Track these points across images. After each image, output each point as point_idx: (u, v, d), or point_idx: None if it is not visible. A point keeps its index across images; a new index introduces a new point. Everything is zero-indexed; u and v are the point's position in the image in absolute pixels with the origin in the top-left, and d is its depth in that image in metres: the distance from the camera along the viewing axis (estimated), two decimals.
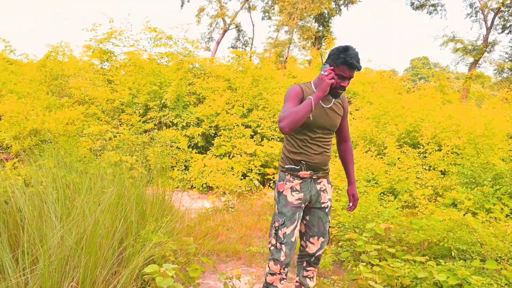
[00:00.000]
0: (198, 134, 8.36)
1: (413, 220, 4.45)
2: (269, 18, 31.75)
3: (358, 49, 2.71)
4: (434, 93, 11.61)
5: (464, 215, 4.38)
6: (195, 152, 8.18)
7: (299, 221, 2.90)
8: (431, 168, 7.09)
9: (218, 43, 30.50)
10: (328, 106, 2.83)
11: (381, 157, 7.39)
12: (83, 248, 2.80)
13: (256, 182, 7.39)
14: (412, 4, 24.60)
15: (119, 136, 7.75)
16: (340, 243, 4.76)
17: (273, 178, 7.58)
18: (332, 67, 2.67)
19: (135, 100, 8.83)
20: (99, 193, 3.52)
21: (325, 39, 26.96)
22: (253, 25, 33.53)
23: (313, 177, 2.89)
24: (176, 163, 7.92)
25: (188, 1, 31.99)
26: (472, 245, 4.06)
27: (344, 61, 2.63)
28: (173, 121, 8.55)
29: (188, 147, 8.24)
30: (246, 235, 5.18)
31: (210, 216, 5.88)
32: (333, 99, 2.84)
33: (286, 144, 2.95)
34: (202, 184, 7.41)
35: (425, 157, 7.30)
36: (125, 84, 9.07)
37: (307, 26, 27.71)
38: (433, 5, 24.20)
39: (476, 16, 22.69)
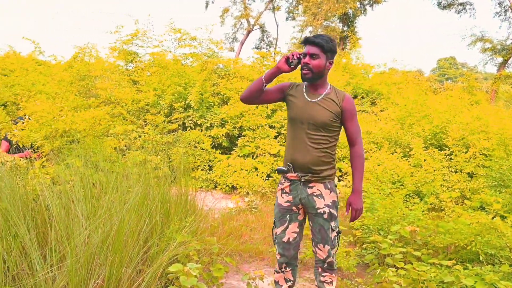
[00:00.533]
0: (222, 135, 8.39)
1: (440, 223, 4.36)
2: (293, 18, 31.69)
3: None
4: (461, 94, 11.39)
5: (492, 218, 4.28)
6: (219, 153, 8.21)
7: (294, 223, 2.91)
8: (458, 170, 6.95)
9: (242, 43, 30.60)
10: (313, 101, 2.79)
11: (407, 159, 7.28)
12: (109, 246, 2.84)
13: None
14: (440, 3, 24.18)
15: (144, 136, 7.85)
16: (364, 246, 4.72)
17: None
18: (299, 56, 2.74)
19: (160, 101, 8.93)
20: (125, 192, 3.57)
21: (349, 39, 26.78)
22: (277, 26, 33.51)
23: (302, 180, 2.82)
24: (200, 163, 7.97)
25: (212, 2, 32.07)
26: (501, 250, 3.97)
27: (303, 40, 2.76)
28: (197, 121, 8.60)
29: (212, 147, 8.28)
30: (270, 236, 5.17)
31: (234, 216, 5.90)
32: (322, 95, 2.79)
33: (286, 143, 2.96)
34: (226, 184, 7.44)
35: (451, 159, 7.16)
36: (150, 85, 9.17)
37: (332, 26, 27.53)
38: (461, 4, 23.74)
39: (505, 15, 22.18)
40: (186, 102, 8.80)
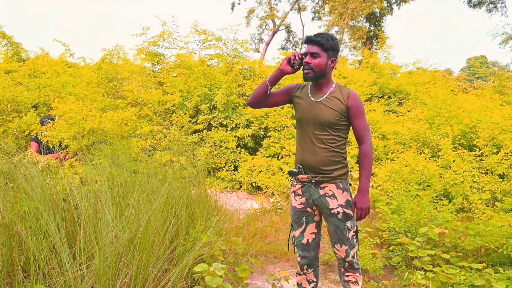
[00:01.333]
0: (248, 135, 8.41)
1: (469, 225, 4.27)
2: (319, 18, 31.50)
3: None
4: (492, 93, 11.11)
5: None
6: (244, 153, 8.23)
7: (311, 225, 2.91)
8: (489, 171, 6.78)
9: (267, 44, 30.59)
10: (317, 100, 2.77)
11: (435, 160, 7.15)
12: (136, 246, 2.88)
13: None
14: (470, 1, 23.65)
15: (170, 136, 7.93)
16: (391, 248, 4.65)
17: None
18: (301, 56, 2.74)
19: (186, 102, 9.00)
20: (151, 193, 3.61)
21: (377, 39, 26.45)
22: (303, 26, 33.32)
23: (312, 181, 2.80)
24: (225, 163, 8.01)
25: (239, 3, 32.18)
26: None
27: (305, 40, 2.75)
28: (223, 122, 8.64)
29: (237, 146, 8.31)
30: None
31: (259, 217, 5.90)
32: (326, 94, 2.77)
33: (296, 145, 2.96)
34: (251, 183, 7.45)
35: (481, 160, 6.99)
36: (176, 86, 9.26)
37: (358, 26, 27.25)
38: (492, 2, 23.17)
39: None
40: (212, 104, 8.86)
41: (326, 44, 2.67)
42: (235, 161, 8.09)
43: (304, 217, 2.89)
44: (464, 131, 7.86)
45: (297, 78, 9.07)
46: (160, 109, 8.80)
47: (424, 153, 7.14)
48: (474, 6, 23.68)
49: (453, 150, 7.13)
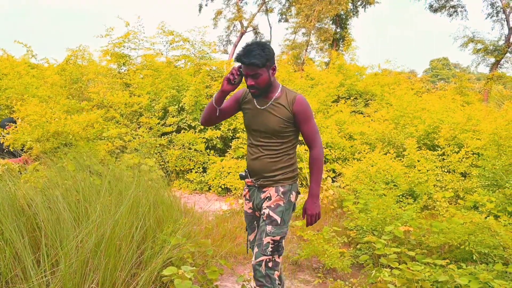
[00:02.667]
0: (217, 137, 8.39)
1: (433, 223, 4.38)
2: (286, 20, 31.71)
3: (251, 44, 2.56)
4: (454, 94, 11.44)
5: (485, 218, 4.31)
6: (213, 155, 8.21)
7: None
8: (451, 170, 6.98)
9: (235, 46, 30.58)
10: (262, 108, 2.68)
11: (400, 159, 7.31)
12: (103, 251, 2.83)
13: None
14: (431, 6, 24.27)
15: (138, 138, 7.83)
16: (358, 246, 4.73)
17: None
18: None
19: (154, 104, 8.91)
20: (118, 196, 3.55)
21: (343, 40, 26.83)
22: (271, 28, 33.41)
23: (255, 185, 2.76)
24: (194, 165, 7.96)
25: (206, 5, 32.05)
26: (494, 249, 3.99)
27: (236, 59, 2.57)
28: (191, 124, 8.59)
29: (206, 148, 8.27)
30: None
31: (228, 218, 5.89)
32: (270, 101, 2.66)
33: None
34: (220, 186, 7.43)
35: (443, 159, 7.19)
36: (143, 88, 9.14)
37: (325, 28, 27.57)
38: (453, 7, 23.84)
39: (497, 16, 22.28)
40: (180, 105, 8.79)
41: (261, 62, 2.52)
42: (204, 163, 8.06)
43: (255, 221, 2.85)
44: (427, 131, 8.07)
45: None
46: (127, 111, 8.67)
47: (389, 152, 7.28)
48: (435, 10, 24.30)
49: (418, 150, 7.31)
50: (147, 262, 3.27)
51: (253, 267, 2.70)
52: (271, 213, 2.67)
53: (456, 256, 4.15)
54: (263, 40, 32.13)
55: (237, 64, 2.62)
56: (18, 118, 6.45)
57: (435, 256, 4.11)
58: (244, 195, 2.88)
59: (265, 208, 2.70)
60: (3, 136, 6.14)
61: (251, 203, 2.83)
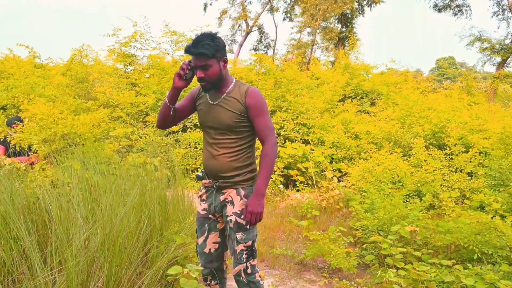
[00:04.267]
0: None
1: (440, 223, 4.36)
2: (291, 19, 31.69)
3: (205, 35, 2.44)
4: (460, 94, 11.40)
5: (492, 218, 4.28)
6: None
7: (214, 233, 2.68)
8: (458, 170, 6.95)
9: (240, 45, 30.58)
10: (215, 103, 2.56)
11: (406, 159, 7.28)
12: (108, 249, 2.84)
13: (281, 186, 7.35)
14: (436, 5, 24.15)
15: (144, 137, 7.86)
16: (364, 246, 4.72)
17: (297, 179, 7.56)
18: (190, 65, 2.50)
19: (160, 104, 8.93)
20: (124, 195, 3.56)
21: (348, 40, 26.78)
22: (276, 27, 33.44)
23: (214, 186, 2.62)
24: (200, 164, 7.97)
25: (211, 4, 32.06)
26: (500, 249, 3.96)
27: (185, 51, 2.45)
28: (197, 123, 8.60)
29: None
30: (269, 237, 5.17)
31: None
32: (223, 95, 2.54)
33: None
34: None
35: (451, 159, 7.16)
36: (149, 88, 9.17)
37: (330, 27, 27.53)
38: (458, 6, 23.72)
39: (503, 15, 22.15)
40: None
41: (210, 53, 2.40)
42: None
43: (207, 224, 2.68)
44: (434, 131, 8.04)
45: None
46: (133, 110, 8.70)
47: (395, 152, 7.26)
48: (440, 10, 24.17)
49: (424, 149, 7.28)
50: (152, 261, 3.27)
51: (234, 278, 2.64)
52: (239, 220, 2.54)
53: (462, 256, 4.13)
54: (268, 40, 32.07)
55: (188, 60, 2.55)
56: (25, 118, 6.49)
57: (441, 256, 4.09)
58: (200, 196, 2.72)
59: (230, 215, 2.56)
60: (9, 134, 6.17)
61: (206, 204, 2.67)
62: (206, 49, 2.39)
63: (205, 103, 2.62)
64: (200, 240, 2.70)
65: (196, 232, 2.75)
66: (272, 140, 2.54)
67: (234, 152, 2.55)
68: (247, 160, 2.60)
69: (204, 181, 2.67)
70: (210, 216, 2.67)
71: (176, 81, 2.53)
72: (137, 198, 3.45)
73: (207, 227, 2.68)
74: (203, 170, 2.67)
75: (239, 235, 2.55)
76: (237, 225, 2.55)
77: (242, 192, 2.58)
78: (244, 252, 2.56)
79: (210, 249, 2.68)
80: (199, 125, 8.53)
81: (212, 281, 2.76)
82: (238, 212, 2.55)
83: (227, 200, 2.58)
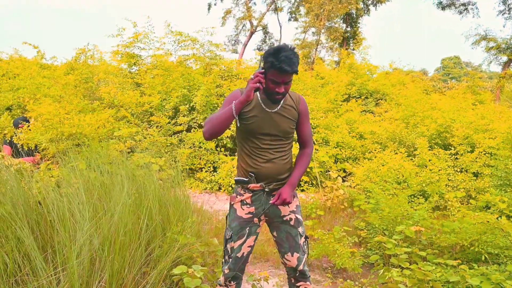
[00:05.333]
0: (227, 136, 8.40)
1: (445, 223, 4.35)
2: (296, 19, 31.68)
3: (295, 49, 2.45)
4: (466, 93, 11.35)
5: (497, 218, 4.26)
6: (223, 154, 8.22)
7: (252, 237, 2.71)
8: (463, 170, 6.92)
9: (245, 45, 30.61)
10: (273, 111, 2.61)
11: (411, 159, 7.26)
12: (111, 249, 2.84)
13: None
14: (440, 3, 24.01)
15: (149, 138, 7.87)
16: (369, 246, 4.70)
17: (302, 179, 7.55)
18: (263, 70, 2.45)
19: (165, 103, 8.95)
20: (127, 195, 3.57)
21: (353, 39, 26.73)
22: (280, 27, 33.53)
23: (265, 189, 2.66)
24: (204, 164, 7.98)
25: (215, 4, 32.11)
26: (506, 249, 3.94)
27: (272, 65, 2.42)
28: (202, 123, 8.61)
29: (216, 147, 8.29)
30: None
31: None
32: (281, 103, 2.62)
33: (238, 153, 2.76)
34: (230, 185, 7.44)
35: (456, 158, 7.13)
36: (154, 88, 9.19)
37: (335, 27, 27.50)
38: (463, 4, 23.59)
39: (509, 13, 22.01)
40: (191, 105, 8.82)
41: (297, 69, 2.46)
42: (214, 162, 8.07)
43: (248, 228, 2.69)
44: (439, 131, 8.01)
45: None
46: (138, 110, 8.72)
47: (400, 152, 7.24)
48: (444, 8, 24.03)
49: (429, 149, 7.26)
50: (156, 261, 3.28)
51: (301, 272, 2.75)
52: (298, 216, 2.74)
53: (468, 257, 4.11)
54: (273, 40, 32.07)
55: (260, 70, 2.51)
56: (31, 118, 6.51)
57: (446, 256, 4.07)
58: (243, 200, 2.70)
59: (289, 214, 2.71)
60: (15, 135, 6.20)
61: (252, 207, 2.68)
62: (297, 67, 2.45)
63: (259, 110, 2.61)
64: (236, 244, 2.70)
65: (231, 237, 2.71)
66: (312, 145, 2.81)
67: (287, 155, 2.70)
68: (291, 160, 2.76)
69: (252, 185, 2.66)
70: (255, 219, 2.71)
71: (251, 95, 2.45)
72: (136, 197, 3.46)
73: (247, 231, 2.70)
74: (251, 174, 2.65)
75: (300, 229, 2.74)
76: (297, 220, 2.73)
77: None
78: (305, 243, 2.78)
79: (243, 253, 2.71)
80: (202, 125, 8.57)
81: (232, 282, 2.77)
82: (295, 209, 2.74)
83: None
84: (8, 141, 6.31)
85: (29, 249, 2.71)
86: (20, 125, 6.35)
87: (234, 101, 2.49)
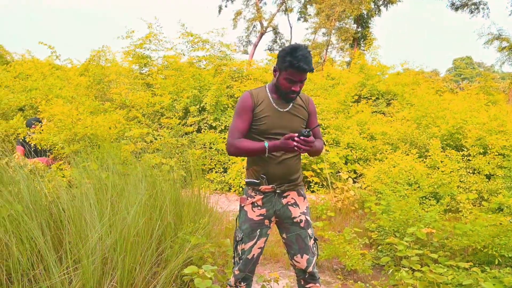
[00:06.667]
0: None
1: (457, 225, 4.31)
2: (305, 20, 31.62)
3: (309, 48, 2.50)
4: (478, 94, 11.24)
5: (510, 220, 4.21)
6: None
7: (262, 239, 2.71)
8: (476, 171, 6.85)
9: (255, 46, 30.63)
10: (285, 110, 2.64)
11: (423, 160, 7.21)
12: (122, 248, 2.86)
13: None
14: (453, 4, 23.85)
15: (160, 139, 7.91)
16: (380, 247, 4.68)
17: (312, 180, 7.53)
18: (307, 132, 2.37)
19: (175, 104, 8.98)
20: (139, 195, 3.59)
21: (364, 40, 26.61)
22: (291, 27, 33.39)
23: (277, 191, 2.66)
24: (215, 165, 8.00)
25: (226, 6, 32.20)
26: None
27: (290, 64, 2.45)
28: (212, 124, 8.63)
29: None
30: None
31: None
32: (291, 103, 2.66)
33: None
34: (241, 186, 7.44)
35: (468, 160, 7.06)
36: (165, 88, 9.24)
37: (345, 28, 27.41)
38: (474, 4, 23.39)
39: None
40: (201, 105, 8.84)
41: (313, 67, 2.53)
42: (224, 163, 8.08)
43: (259, 230, 2.69)
44: (450, 132, 7.94)
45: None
46: (149, 111, 8.77)
47: (411, 153, 7.19)
48: (457, 8, 23.86)
49: (441, 151, 7.20)
50: (167, 261, 3.29)
51: (311, 274, 2.74)
52: (308, 218, 2.75)
53: (480, 259, 4.07)
54: (283, 41, 32.04)
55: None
56: (43, 118, 6.57)
57: (458, 259, 4.03)
58: (254, 202, 2.69)
59: (299, 215, 2.70)
60: (28, 135, 6.26)
61: (263, 209, 2.67)
62: (312, 65, 2.51)
63: (271, 109, 2.63)
64: (247, 246, 2.70)
65: (242, 239, 2.72)
66: (323, 141, 2.81)
67: (297, 155, 2.71)
68: (301, 162, 2.79)
69: (264, 186, 2.66)
70: (266, 221, 2.70)
71: (288, 148, 2.43)
72: (149, 197, 3.48)
73: (258, 233, 2.70)
74: (262, 176, 2.64)
75: (309, 231, 2.74)
76: (307, 222, 2.73)
77: (301, 192, 2.77)
78: (315, 245, 2.79)
79: (254, 255, 2.71)
80: (213, 126, 8.60)
81: (242, 283, 2.77)
82: (305, 211, 2.75)
83: (290, 203, 2.70)
84: (21, 140, 6.38)
85: (43, 248, 2.73)
86: (32, 126, 6.41)
87: (268, 143, 2.50)
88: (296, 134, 2.38)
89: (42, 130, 6.26)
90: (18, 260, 2.71)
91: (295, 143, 2.36)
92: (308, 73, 2.55)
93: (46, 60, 11.68)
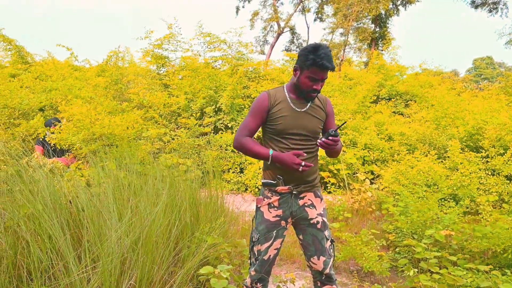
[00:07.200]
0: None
1: (476, 227, 4.23)
2: (322, 20, 31.48)
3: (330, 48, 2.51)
4: (499, 94, 11.04)
5: None
6: None
7: (279, 240, 2.69)
8: (496, 173, 6.73)
9: (272, 46, 30.58)
10: (302, 110, 2.62)
11: (441, 161, 7.11)
12: (141, 248, 2.88)
13: None
14: (473, 2, 23.52)
15: (177, 139, 7.95)
16: (397, 249, 4.63)
17: (329, 181, 7.50)
18: (334, 132, 2.44)
19: (191, 104, 9.03)
20: (156, 195, 3.62)
21: (382, 40, 26.38)
22: (308, 27, 33.18)
23: (293, 192, 2.65)
24: (232, 165, 8.02)
25: (243, 7, 32.24)
26: None
27: (314, 62, 2.46)
28: (228, 124, 8.65)
29: None
30: None
31: None
32: (309, 102, 2.64)
33: None
34: (257, 186, 7.45)
35: (487, 161, 6.94)
36: (181, 89, 9.29)
37: (363, 28, 27.21)
38: (494, 3, 23.03)
39: None
40: (217, 106, 8.87)
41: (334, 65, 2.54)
42: (241, 164, 8.10)
43: (275, 231, 2.68)
44: (470, 133, 7.82)
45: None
46: (166, 111, 8.83)
47: (430, 154, 7.10)
48: (477, 6, 23.53)
49: (461, 152, 7.09)
50: (184, 260, 3.31)
51: (328, 275, 2.71)
52: (324, 219, 2.73)
53: (500, 262, 4.00)
54: (300, 41, 31.97)
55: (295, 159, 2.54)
56: (62, 118, 6.66)
57: (477, 262, 3.97)
58: (270, 203, 2.68)
59: (316, 217, 2.69)
60: (47, 135, 6.35)
61: (280, 210, 2.66)
62: (333, 63, 2.52)
63: (288, 110, 2.62)
64: (263, 247, 2.69)
65: (258, 239, 2.71)
66: (341, 142, 2.73)
67: (315, 156, 2.71)
68: (318, 163, 2.77)
69: (280, 188, 2.65)
70: (282, 222, 2.69)
71: (292, 167, 2.50)
72: (169, 198, 3.50)
73: (274, 234, 2.68)
74: (279, 177, 2.63)
75: (326, 232, 2.73)
76: (324, 224, 2.72)
77: (318, 194, 2.76)
78: (331, 247, 2.76)
79: (270, 256, 2.70)
80: (229, 126, 8.62)
81: (258, 284, 2.76)
82: (322, 212, 2.74)
83: (306, 204, 2.69)
84: (40, 140, 6.48)
85: (62, 246, 2.77)
86: (52, 126, 6.50)
87: (275, 152, 2.56)
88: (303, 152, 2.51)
89: (62, 130, 6.35)
90: (38, 258, 2.75)
91: (300, 167, 2.46)
92: (333, 70, 2.55)
93: (65, 61, 11.85)
